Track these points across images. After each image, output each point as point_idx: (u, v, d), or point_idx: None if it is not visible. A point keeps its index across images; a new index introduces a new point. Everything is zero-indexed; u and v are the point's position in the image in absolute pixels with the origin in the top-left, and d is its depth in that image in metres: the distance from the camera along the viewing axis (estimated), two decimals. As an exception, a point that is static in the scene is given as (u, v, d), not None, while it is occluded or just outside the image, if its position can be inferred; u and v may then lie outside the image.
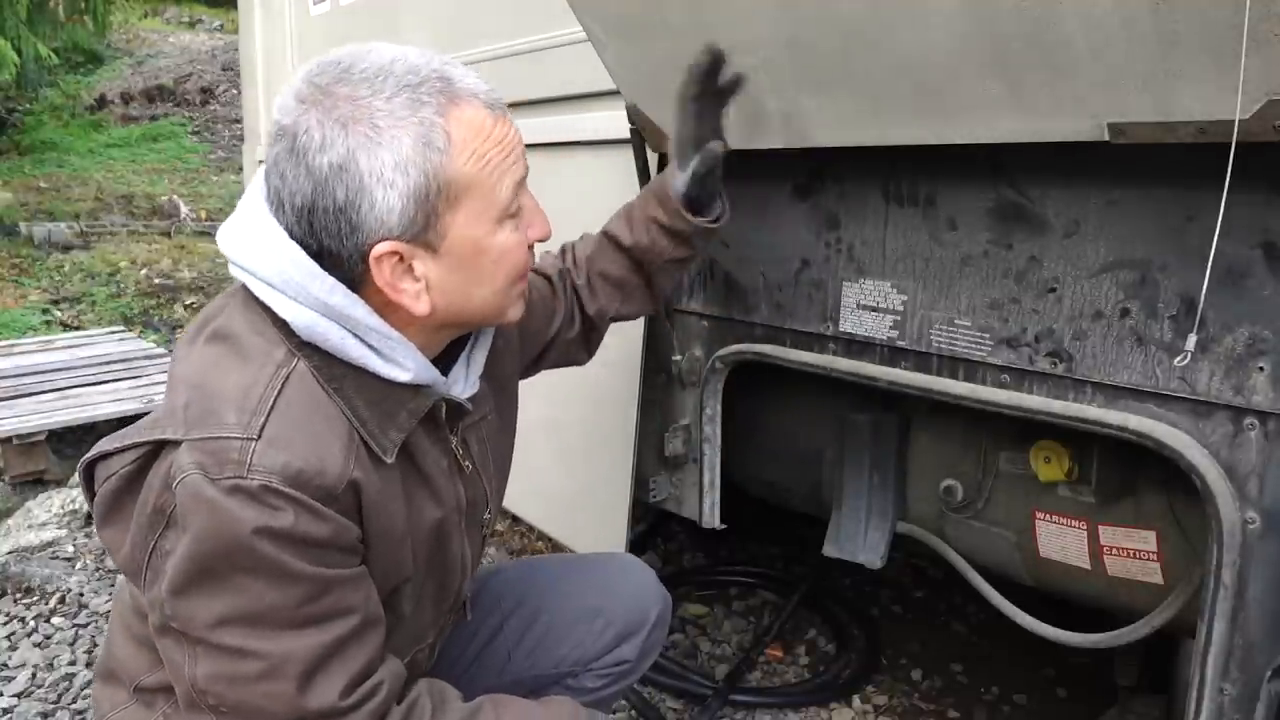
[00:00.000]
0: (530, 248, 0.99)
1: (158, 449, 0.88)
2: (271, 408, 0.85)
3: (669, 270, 1.34)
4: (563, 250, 1.38)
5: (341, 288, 0.88)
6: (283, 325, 0.89)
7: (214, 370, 0.88)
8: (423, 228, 0.88)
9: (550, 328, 1.30)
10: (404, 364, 0.92)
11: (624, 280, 1.33)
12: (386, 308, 0.91)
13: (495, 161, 0.90)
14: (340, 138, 0.83)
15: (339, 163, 0.83)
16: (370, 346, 0.91)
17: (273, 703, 0.85)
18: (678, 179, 1.24)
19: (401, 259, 0.88)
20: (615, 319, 1.40)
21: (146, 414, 0.98)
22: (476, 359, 1.07)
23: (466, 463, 1.09)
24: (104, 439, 0.94)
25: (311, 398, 0.88)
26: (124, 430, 0.93)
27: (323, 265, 0.88)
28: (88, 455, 0.95)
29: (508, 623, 1.34)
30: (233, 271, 0.92)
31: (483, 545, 1.20)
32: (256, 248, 0.90)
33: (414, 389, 0.95)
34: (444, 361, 1.02)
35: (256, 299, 0.90)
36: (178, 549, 0.84)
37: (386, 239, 0.86)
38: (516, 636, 1.33)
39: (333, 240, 0.87)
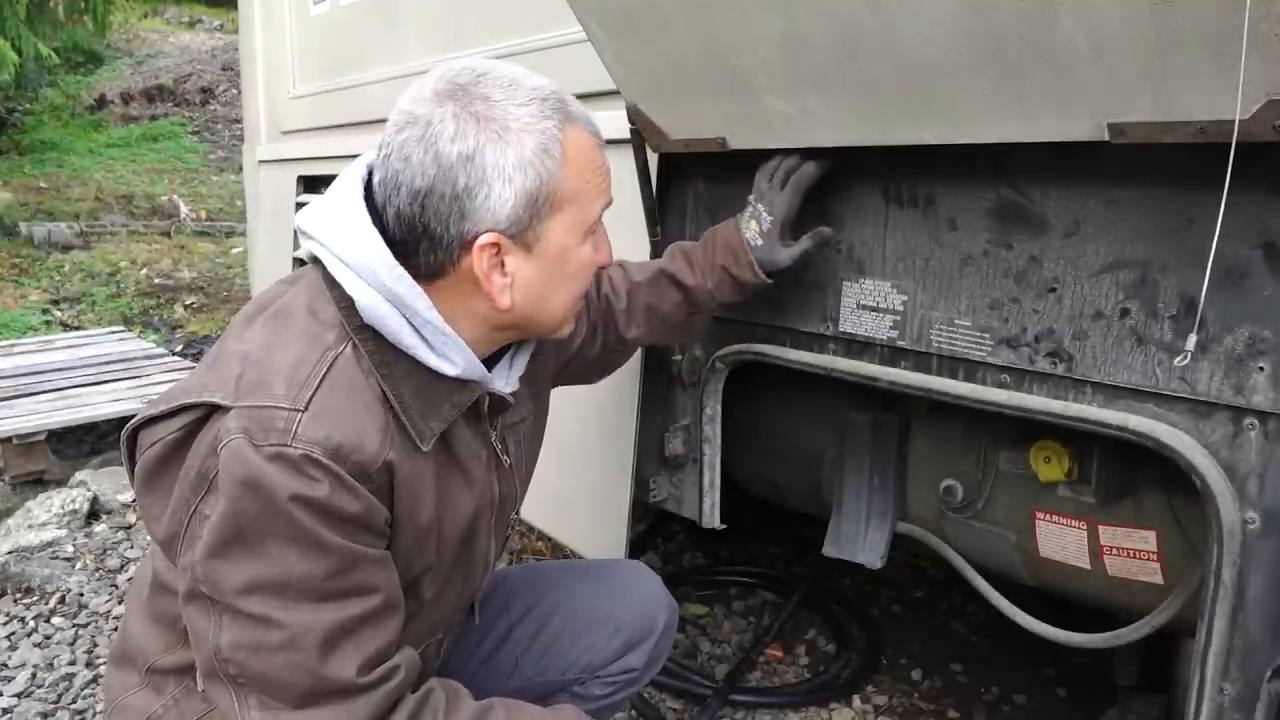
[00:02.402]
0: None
1: (205, 416, 0.91)
2: (320, 384, 0.90)
3: (715, 312, 1.43)
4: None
5: (408, 279, 0.94)
6: (346, 306, 0.95)
7: (267, 346, 0.93)
8: (525, 226, 0.95)
9: (574, 342, 1.32)
10: (454, 359, 0.97)
11: (671, 315, 1.39)
12: (459, 301, 0.97)
13: (594, 182, 0.99)
14: (473, 131, 0.91)
15: (468, 153, 0.90)
16: (423, 338, 0.96)
17: (292, 674, 0.88)
18: (778, 251, 1.33)
19: (499, 251, 0.94)
20: (646, 345, 1.47)
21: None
22: (519, 359, 1.12)
23: (505, 458, 1.12)
24: (147, 404, 0.98)
25: (354, 381, 0.93)
26: (167, 393, 0.96)
27: (420, 248, 0.94)
28: (132, 422, 0.98)
29: (516, 629, 1.34)
30: (308, 248, 0.99)
31: (504, 545, 1.21)
32: (341, 228, 0.96)
33: (460, 383, 1.00)
34: (489, 360, 1.07)
35: (325, 282, 0.97)
36: (215, 512, 0.87)
37: (492, 230, 0.93)
38: (525, 643, 1.34)
39: (440, 225, 0.92)
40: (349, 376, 0.93)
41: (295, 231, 1.01)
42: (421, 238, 0.94)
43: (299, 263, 3.11)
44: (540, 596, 1.37)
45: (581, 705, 1.33)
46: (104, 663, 2.10)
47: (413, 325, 0.95)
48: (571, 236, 0.98)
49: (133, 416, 0.99)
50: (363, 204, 0.96)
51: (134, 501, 0.90)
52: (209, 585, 0.88)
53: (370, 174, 0.99)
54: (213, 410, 0.90)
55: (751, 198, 1.35)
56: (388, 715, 0.92)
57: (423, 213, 0.92)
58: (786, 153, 1.34)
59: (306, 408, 0.88)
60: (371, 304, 0.93)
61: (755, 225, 1.33)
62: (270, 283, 1.08)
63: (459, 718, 0.99)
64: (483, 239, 0.93)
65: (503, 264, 0.96)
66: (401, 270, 0.93)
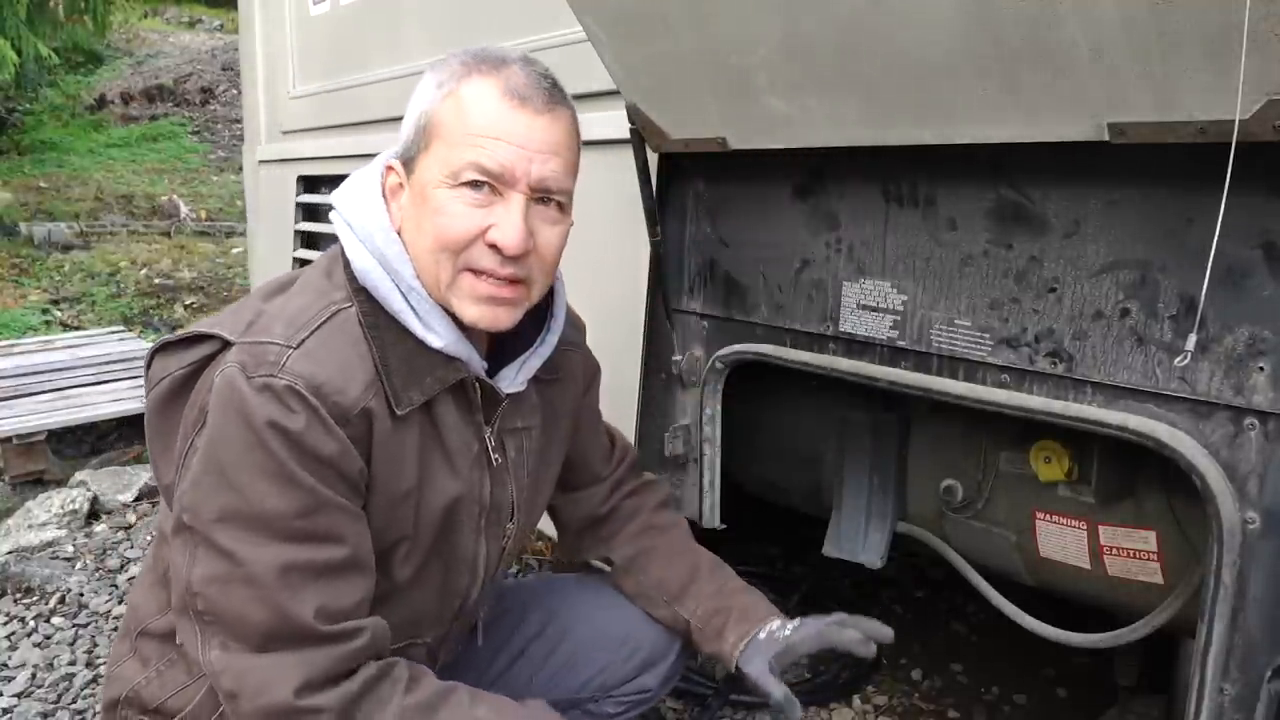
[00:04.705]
0: (485, 247, 0.99)
1: (213, 355, 0.98)
2: (316, 329, 0.96)
3: (641, 603, 1.38)
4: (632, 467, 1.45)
5: (399, 244, 1.01)
6: (352, 271, 1.01)
7: (281, 298, 1.03)
8: (410, 156, 1.02)
9: (575, 450, 1.34)
10: (438, 330, 1.01)
11: (623, 571, 1.37)
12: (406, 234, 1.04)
13: (475, 129, 0.97)
14: (435, 69, 1.03)
15: (423, 86, 1.03)
16: (410, 305, 1.00)
17: (252, 609, 0.90)
18: (757, 665, 1.24)
19: (394, 176, 1.04)
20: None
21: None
22: (530, 363, 1.14)
23: (497, 456, 1.11)
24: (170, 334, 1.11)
25: (352, 335, 0.98)
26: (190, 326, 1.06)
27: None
28: (152, 346, 1.06)
29: (531, 645, 1.33)
30: (332, 218, 1.07)
31: (502, 558, 1.19)
32: (355, 198, 1.06)
33: (445, 359, 1.02)
34: (500, 360, 1.11)
35: (342, 249, 1.04)
36: (203, 441, 0.93)
37: (396, 155, 1.05)
38: (540, 660, 1.33)
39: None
40: (347, 330, 0.98)
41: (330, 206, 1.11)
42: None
43: (299, 263, 3.11)
44: (556, 613, 1.36)
45: None
46: (104, 663, 2.10)
47: (401, 291, 1.00)
48: (432, 173, 0.99)
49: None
50: (378, 176, 1.06)
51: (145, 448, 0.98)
52: (190, 513, 0.93)
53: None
54: (222, 348, 0.97)
55: (798, 620, 1.29)
56: (345, 676, 0.93)
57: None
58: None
59: (298, 346, 0.93)
60: (365, 266, 0.99)
61: (778, 628, 1.26)
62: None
63: (419, 694, 0.98)
64: (388, 159, 1.04)
65: (399, 193, 1.04)
66: (394, 236, 1.01)
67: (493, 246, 0.98)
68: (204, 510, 0.92)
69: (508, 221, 0.98)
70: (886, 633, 1.26)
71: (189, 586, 0.93)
